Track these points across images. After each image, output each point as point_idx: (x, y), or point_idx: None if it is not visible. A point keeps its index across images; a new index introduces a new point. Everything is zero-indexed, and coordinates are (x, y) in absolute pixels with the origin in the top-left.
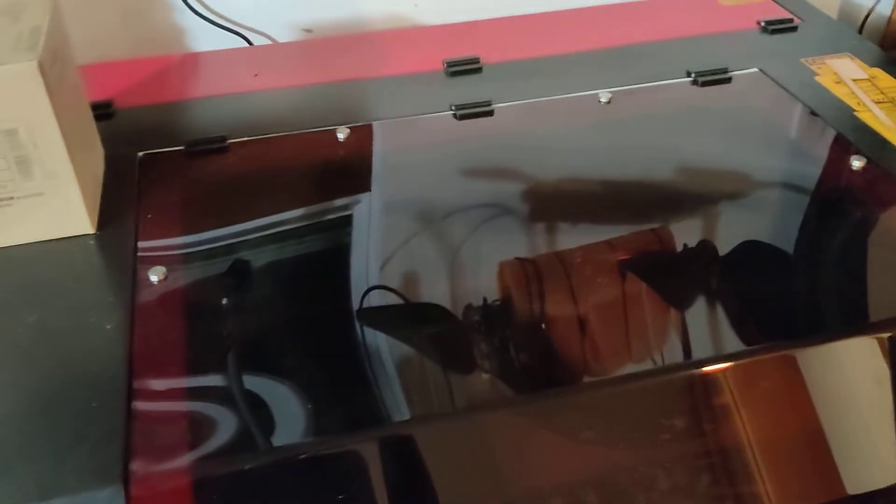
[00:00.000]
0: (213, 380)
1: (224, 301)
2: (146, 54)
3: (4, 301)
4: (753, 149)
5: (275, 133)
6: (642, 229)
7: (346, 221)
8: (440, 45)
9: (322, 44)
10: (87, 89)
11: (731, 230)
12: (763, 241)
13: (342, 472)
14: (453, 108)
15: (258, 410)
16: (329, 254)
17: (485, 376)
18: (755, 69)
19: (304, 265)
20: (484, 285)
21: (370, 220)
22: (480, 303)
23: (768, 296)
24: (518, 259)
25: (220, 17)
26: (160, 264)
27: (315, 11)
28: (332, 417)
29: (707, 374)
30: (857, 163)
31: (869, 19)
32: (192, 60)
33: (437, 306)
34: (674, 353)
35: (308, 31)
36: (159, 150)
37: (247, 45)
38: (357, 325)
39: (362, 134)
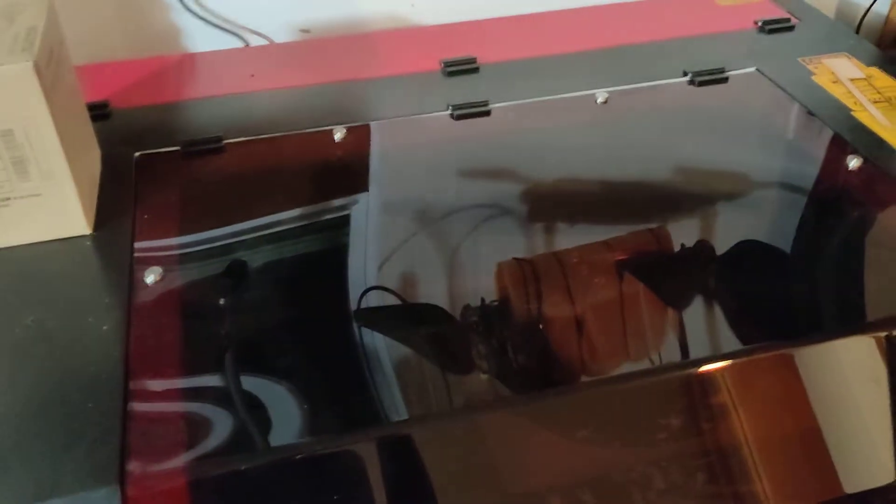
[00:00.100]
0: (210, 380)
1: (220, 301)
2: (143, 55)
3: (1, 302)
4: (750, 148)
5: (272, 133)
6: (640, 229)
7: (344, 222)
8: (437, 45)
9: (319, 44)
10: (84, 90)
11: (728, 230)
12: (760, 241)
13: (339, 473)
14: (450, 108)
15: (255, 411)
16: (326, 254)
17: (482, 376)
18: (752, 69)
19: (301, 266)
20: (482, 285)
21: (367, 221)
22: (478, 303)
23: (765, 295)
24: (516, 259)
25: (217, 17)
26: (157, 265)
27: (312, 12)
28: (329, 418)
29: (704, 374)
30: (853, 162)
31: (866, 19)
32: (189, 61)
33: (434, 307)
34: (671, 353)
35: (305, 31)
36: (156, 150)
37: (244, 45)
38: (354, 325)
39: (359, 134)
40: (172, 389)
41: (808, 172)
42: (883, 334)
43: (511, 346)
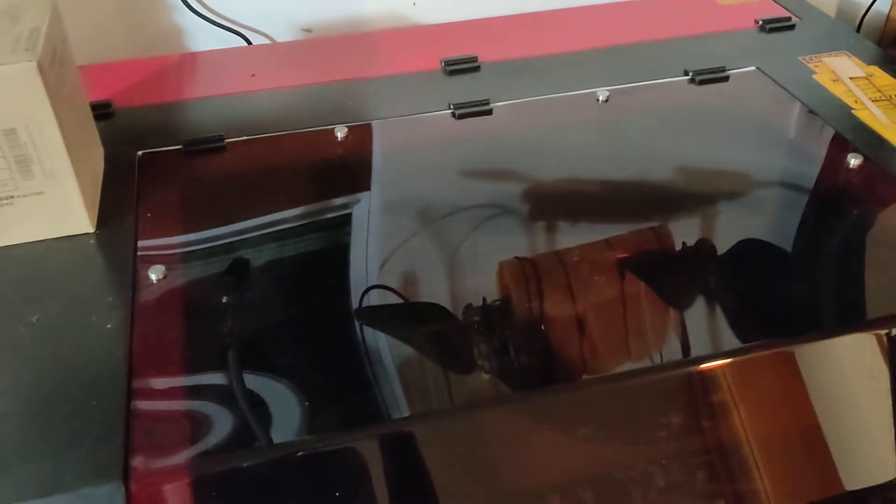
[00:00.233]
0: (213, 378)
1: (223, 300)
2: (145, 54)
3: (5, 300)
4: (751, 147)
5: (273, 132)
6: (641, 228)
7: (345, 220)
8: (438, 45)
9: (320, 43)
10: (87, 89)
11: (729, 228)
12: (761, 239)
13: (341, 470)
14: (452, 107)
15: (257, 408)
16: (328, 253)
17: (484, 375)
18: (753, 67)
19: (303, 264)
20: (483, 284)
21: (369, 219)
22: (479, 302)
23: (766, 293)
24: (517, 258)
25: (220, 16)
26: (160, 263)
27: (314, 11)
28: (331, 415)
29: (704, 371)
30: (854, 161)
31: (867, 17)
32: (191, 60)
33: (435, 305)
34: (672, 351)
35: (307, 30)
36: (158, 149)
37: (246, 44)
38: (356, 324)
39: (361, 133)
40: (175, 387)
41: (809, 171)
42: (883, 332)
43: (512, 345)
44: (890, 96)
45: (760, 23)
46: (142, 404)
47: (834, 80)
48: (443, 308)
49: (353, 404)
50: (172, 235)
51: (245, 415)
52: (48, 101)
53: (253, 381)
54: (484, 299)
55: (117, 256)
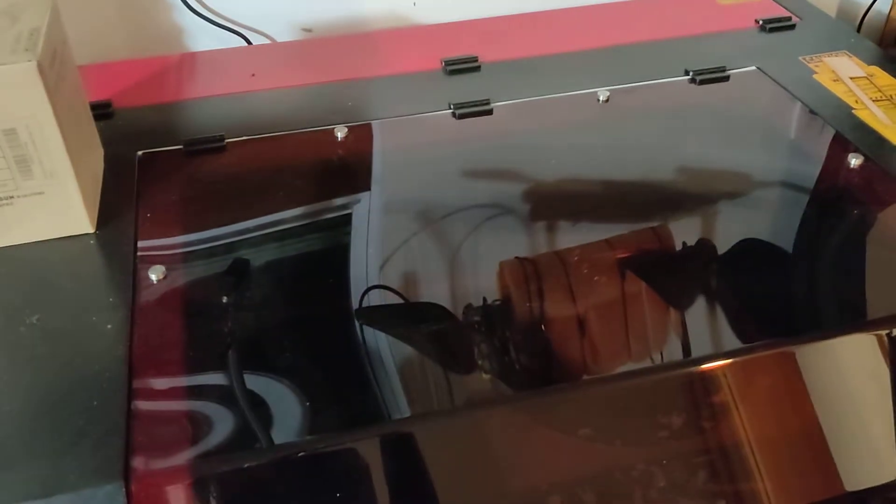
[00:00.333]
0: (213, 378)
1: (224, 300)
2: (145, 54)
3: (5, 300)
4: (751, 147)
5: (273, 132)
6: (641, 228)
7: (346, 220)
8: (438, 44)
9: (320, 43)
10: (87, 89)
11: (729, 228)
12: (761, 239)
13: (342, 470)
14: (452, 106)
15: (258, 408)
16: (328, 253)
17: (484, 375)
18: (753, 67)
19: (303, 264)
20: (483, 284)
21: (369, 219)
22: (480, 302)
23: (766, 293)
24: (517, 258)
25: (219, 16)
26: (160, 263)
27: (314, 11)
28: (332, 415)
29: (705, 372)
30: (854, 161)
31: (867, 17)
32: (191, 60)
33: (436, 305)
34: (672, 351)
35: (307, 30)
36: (158, 149)
37: (246, 44)
38: (356, 324)
39: (361, 133)
40: (176, 387)
41: (810, 171)
42: (883, 332)
43: (513, 345)
44: (890, 96)
45: (761, 23)
46: (142, 404)
47: (834, 80)
48: (443, 308)
49: (353, 404)
50: (172, 235)
51: (246, 415)
52: (48, 100)
53: (253, 381)
54: (484, 299)
55: (117, 256)
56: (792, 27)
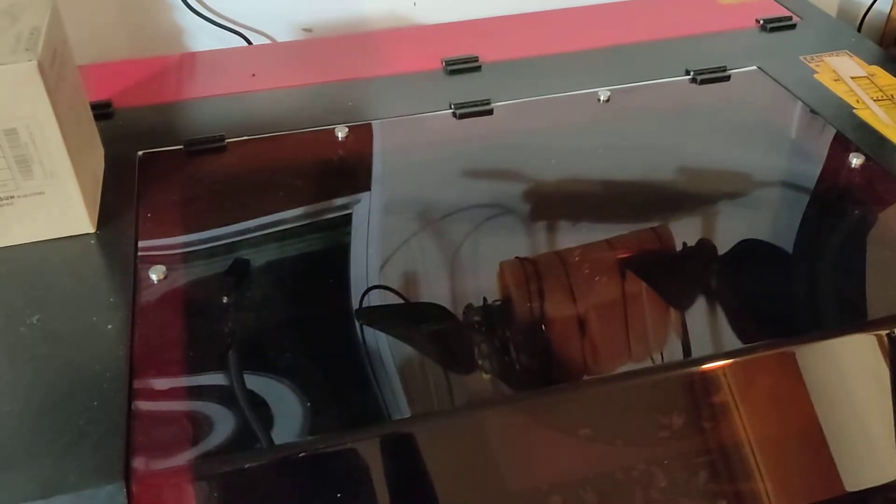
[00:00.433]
0: (214, 378)
1: (224, 300)
2: (145, 54)
3: (5, 300)
4: (752, 147)
5: (274, 132)
6: (641, 228)
7: (346, 220)
8: (439, 44)
9: (321, 43)
10: (87, 89)
11: (730, 228)
12: (762, 239)
13: (342, 470)
14: (452, 106)
15: (258, 409)
16: (329, 253)
17: (484, 375)
18: (754, 67)
19: (303, 264)
20: (484, 284)
21: (370, 220)
22: (480, 302)
23: (767, 293)
24: (518, 258)
25: (220, 16)
26: (160, 263)
27: (314, 11)
28: (332, 416)
29: (705, 372)
30: (855, 160)
31: (868, 17)
32: (191, 60)
33: (436, 306)
34: (673, 351)
35: (307, 30)
36: (159, 149)
37: (246, 44)
38: (357, 324)
39: (361, 133)
40: (176, 387)
41: (811, 171)
42: (883, 332)
43: (513, 345)
44: (891, 96)
45: (761, 22)
46: (143, 405)
47: (835, 80)
48: (443, 308)
49: (353, 405)
50: (173, 235)
51: (246, 415)
52: (48, 100)
53: (254, 381)
54: (484, 299)
55: (118, 257)
56: (793, 27)
